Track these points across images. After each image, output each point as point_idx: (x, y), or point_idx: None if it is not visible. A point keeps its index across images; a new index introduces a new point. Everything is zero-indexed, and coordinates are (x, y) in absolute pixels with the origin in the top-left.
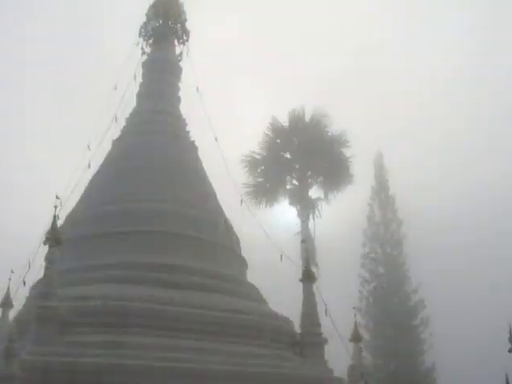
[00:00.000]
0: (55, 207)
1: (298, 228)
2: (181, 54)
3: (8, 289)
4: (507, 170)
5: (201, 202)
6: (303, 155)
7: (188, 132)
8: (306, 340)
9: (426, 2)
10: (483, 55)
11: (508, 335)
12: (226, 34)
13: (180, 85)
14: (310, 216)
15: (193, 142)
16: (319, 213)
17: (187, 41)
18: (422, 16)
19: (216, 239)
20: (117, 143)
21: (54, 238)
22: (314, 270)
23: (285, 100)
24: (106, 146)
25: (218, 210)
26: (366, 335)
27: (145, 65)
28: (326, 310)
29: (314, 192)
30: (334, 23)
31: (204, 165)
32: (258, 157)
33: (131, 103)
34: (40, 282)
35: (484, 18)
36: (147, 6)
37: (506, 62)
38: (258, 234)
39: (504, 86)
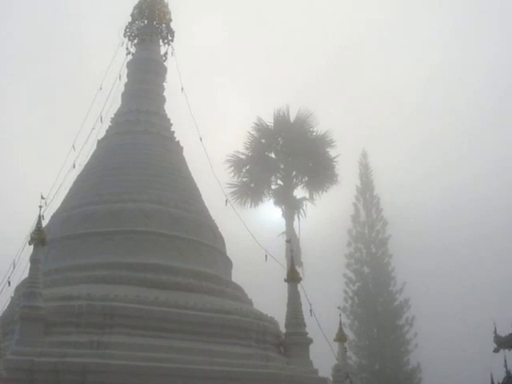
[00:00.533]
0: (40, 207)
1: (283, 228)
2: (166, 54)
3: None
4: (489, 170)
5: (185, 201)
6: (288, 155)
7: (173, 132)
8: (291, 340)
9: (405, 1)
10: (462, 54)
11: (493, 335)
12: (210, 34)
13: (165, 85)
14: (295, 216)
15: (178, 141)
16: (304, 213)
17: (172, 41)
18: (400, 15)
19: (201, 239)
20: (102, 143)
21: (39, 238)
22: (298, 269)
23: (270, 100)
24: (91, 146)
25: (202, 210)
26: (350, 335)
27: (130, 65)
28: (310, 310)
29: (299, 192)
30: (315, 23)
31: (189, 165)
32: (242, 157)
33: (116, 103)
34: (25, 282)
35: (462, 17)
36: (132, 6)
37: (485, 60)
38: (242, 233)
39: (484, 84)
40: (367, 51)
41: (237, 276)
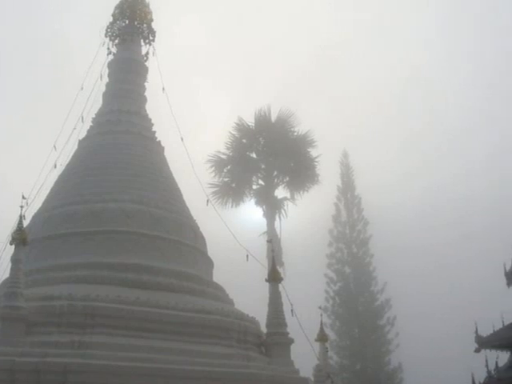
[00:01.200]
0: (21, 207)
1: (264, 228)
2: (147, 54)
3: None
4: (469, 170)
5: (166, 202)
6: (269, 155)
7: (154, 132)
8: (272, 340)
9: (387, 2)
10: (442, 54)
11: (474, 335)
12: (191, 34)
13: (146, 85)
14: (276, 216)
15: (159, 142)
16: (285, 213)
17: (153, 41)
18: (382, 16)
19: (182, 239)
20: (83, 143)
21: (20, 238)
22: (279, 269)
23: (251, 100)
24: (73, 146)
25: (183, 210)
26: (332, 335)
27: (111, 65)
28: (292, 310)
29: (280, 192)
30: (297, 23)
31: (170, 165)
32: (223, 157)
33: (97, 103)
34: (6, 282)
35: (443, 18)
36: (113, 6)
37: (465, 60)
38: (224, 233)
39: (464, 84)
40: (349, 51)
41: (218, 276)
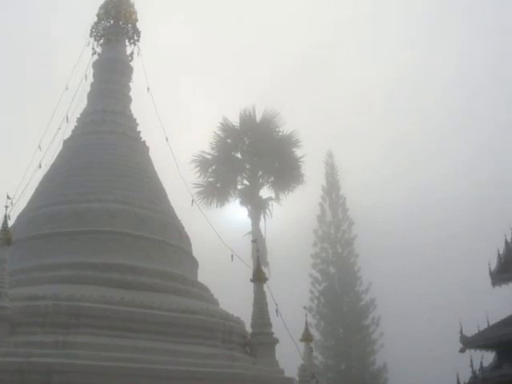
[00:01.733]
0: (6, 207)
1: (249, 228)
2: (132, 54)
3: None
4: (456, 170)
5: (151, 202)
6: (254, 155)
7: (139, 132)
8: (257, 340)
9: (372, 2)
10: (430, 54)
11: (459, 335)
12: (176, 34)
13: (131, 85)
14: (261, 216)
15: (144, 142)
16: (270, 213)
17: (138, 41)
18: (368, 16)
19: (166, 239)
20: (68, 143)
21: (5, 238)
22: (264, 269)
23: (236, 100)
24: (57, 146)
25: (168, 210)
26: (316, 335)
27: (96, 65)
28: (276, 310)
29: (265, 192)
30: (283, 24)
31: (155, 165)
32: (208, 157)
33: (82, 103)
34: None
35: (430, 18)
36: (98, 6)
37: (452, 60)
38: (208, 234)
39: (451, 84)
40: (335, 51)
41: (203, 276)
